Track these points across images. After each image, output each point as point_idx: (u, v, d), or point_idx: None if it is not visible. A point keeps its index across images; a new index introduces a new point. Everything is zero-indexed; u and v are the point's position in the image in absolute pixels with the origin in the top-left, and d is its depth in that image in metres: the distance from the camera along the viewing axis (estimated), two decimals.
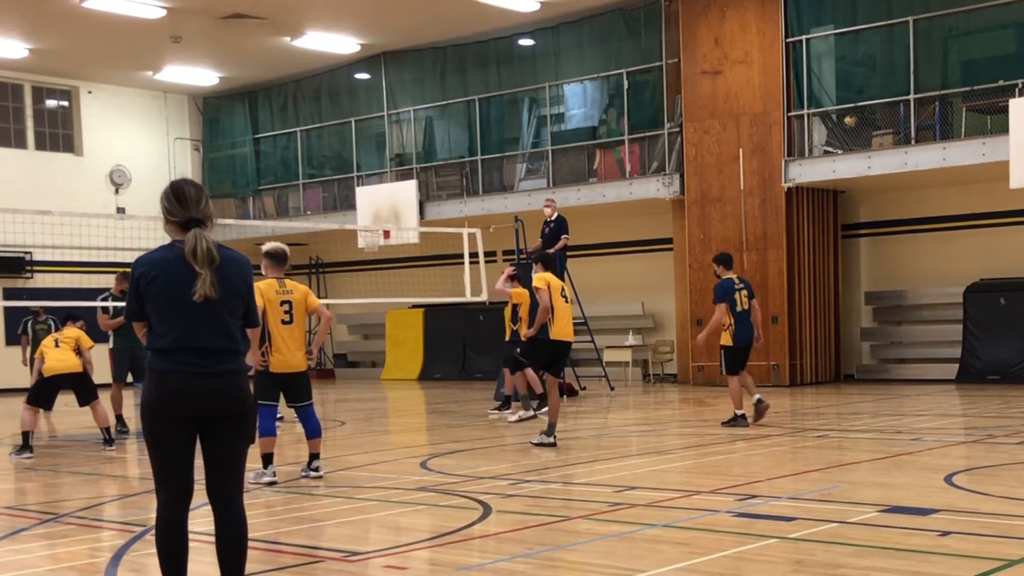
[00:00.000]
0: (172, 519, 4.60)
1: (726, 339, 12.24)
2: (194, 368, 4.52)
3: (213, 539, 4.72)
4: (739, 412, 12.30)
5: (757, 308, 12.56)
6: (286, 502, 8.07)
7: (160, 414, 4.55)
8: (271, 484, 8.83)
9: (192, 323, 4.53)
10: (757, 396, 12.43)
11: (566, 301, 11.17)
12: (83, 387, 12.26)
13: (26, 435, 11.89)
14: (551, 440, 10.96)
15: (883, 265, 20.28)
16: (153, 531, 7.03)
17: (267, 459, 8.91)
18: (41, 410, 12.47)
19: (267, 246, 9.09)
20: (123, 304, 14.71)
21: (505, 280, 13.47)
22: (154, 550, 6.58)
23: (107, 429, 12.32)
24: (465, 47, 23.54)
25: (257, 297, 8.58)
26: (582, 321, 18.79)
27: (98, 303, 15.02)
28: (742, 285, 12.29)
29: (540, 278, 11.07)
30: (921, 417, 13.25)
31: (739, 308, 12.14)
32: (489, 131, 23.19)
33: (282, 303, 8.71)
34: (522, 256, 18.12)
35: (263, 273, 8.94)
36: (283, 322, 8.72)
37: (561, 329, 11.00)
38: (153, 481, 4.68)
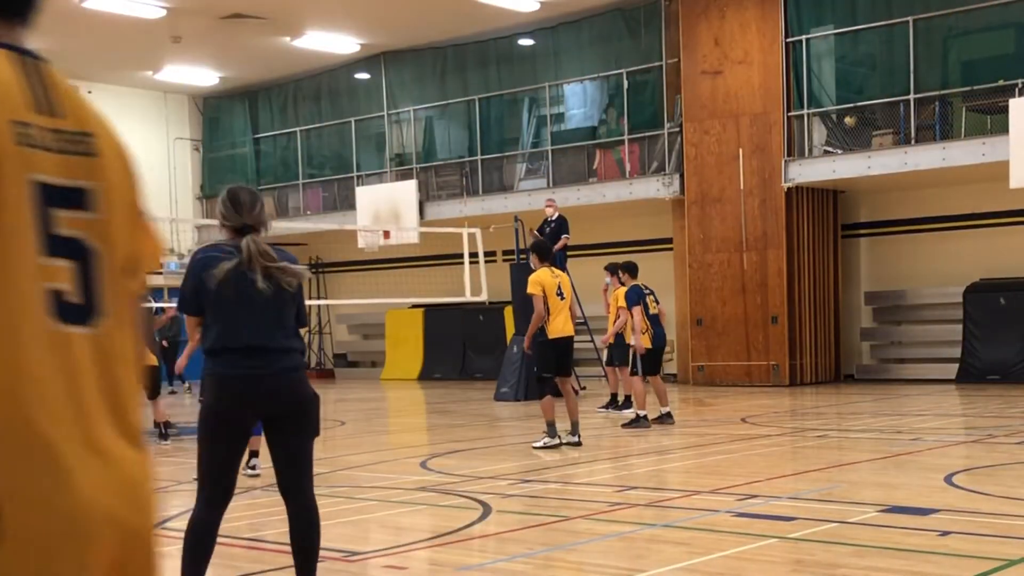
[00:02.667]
0: (209, 519, 4.69)
1: (644, 342, 12.71)
2: (249, 370, 4.60)
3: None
4: (642, 413, 12.61)
5: (664, 312, 13.67)
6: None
7: (219, 418, 4.64)
8: (254, 476, 9.11)
9: (244, 323, 4.61)
10: (667, 409, 12.90)
11: (561, 298, 10.90)
12: (155, 382, 12.70)
13: None
14: (576, 439, 10.97)
15: (883, 265, 20.28)
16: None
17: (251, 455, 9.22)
18: None
19: None
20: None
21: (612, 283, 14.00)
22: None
23: (166, 424, 12.63)
24: (465, 47, 23.53)
25: None
26: (582, 321, 18.73)
27: None
28: (649, 291, 13.11)
29: (534, 282, 10.81)
30: (921, 417, 13.26)
31: (651, 311, 12.88)
32: (489, 131, 23.19)
33: None
34: (522, 257, 18.11)
35: None
36: None
37: (559, 327, 10.83)
38: (198, 479, 4.74)
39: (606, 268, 14.61)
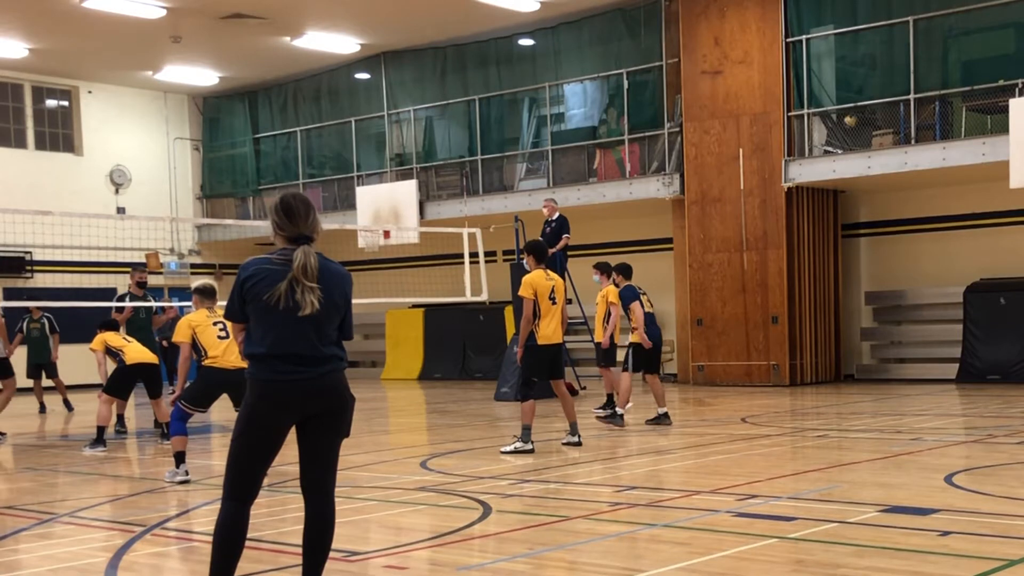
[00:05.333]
0: (235, 518, 4.73)
1: (637, 337, 12.77)
2: (291, 375, 4.66)
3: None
4: (620, 411, 12.64)
5: (657, 313, 13.78)
6: (286, 502, 8.07)
7: (262, 422, 4.71)
8: (184, 483, 9.17)
9: (288, 332, 4.67)
10: (664, 410, 12.88)
11: (553, 303, 10.73)
12: (156, 381, 12.71)
13: (101, 429, 12.15)
14: (576, 439, 10.96)
15: (883, 265, 20.28)
16: (144, 532, 7.04)
17: (179, 458, 9.36)
18: (117, 401, 12.86)
19: (196, 284, 9.91)
20: (137, 304, 14.75)
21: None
22: (154, 549, 6.60)
23: (168, 424, 12.58)
24: (465, 47, 23.53)
25: (187, 329, 9.34)
26: (582, 321, 18.79)
27: (114, 303, 15.07)
28: (643, 291, 13.21)
29: (527, 284, 10.66)
30: (921, 417, 13.26)
31: (646, 309, 12.96)
32: (489, 131, 23.18)
33: (215, 323, 9.43)
34: (521, 256, 18.09)
35: (193, 307, 9.80)
36: (219, 337, 9.36)
37: (548, 334, 10.69)
38: (226, 477, 4.76)
39: (595, 267, 14.37)
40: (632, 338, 12.82)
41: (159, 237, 26.22)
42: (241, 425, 4.74)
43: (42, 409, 18.36)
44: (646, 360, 12.89)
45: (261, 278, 4.68)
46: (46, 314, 18.35)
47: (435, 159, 24.12)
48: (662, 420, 12.79)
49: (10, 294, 23.75)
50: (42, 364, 18.46)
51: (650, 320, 12.93)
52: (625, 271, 13.18)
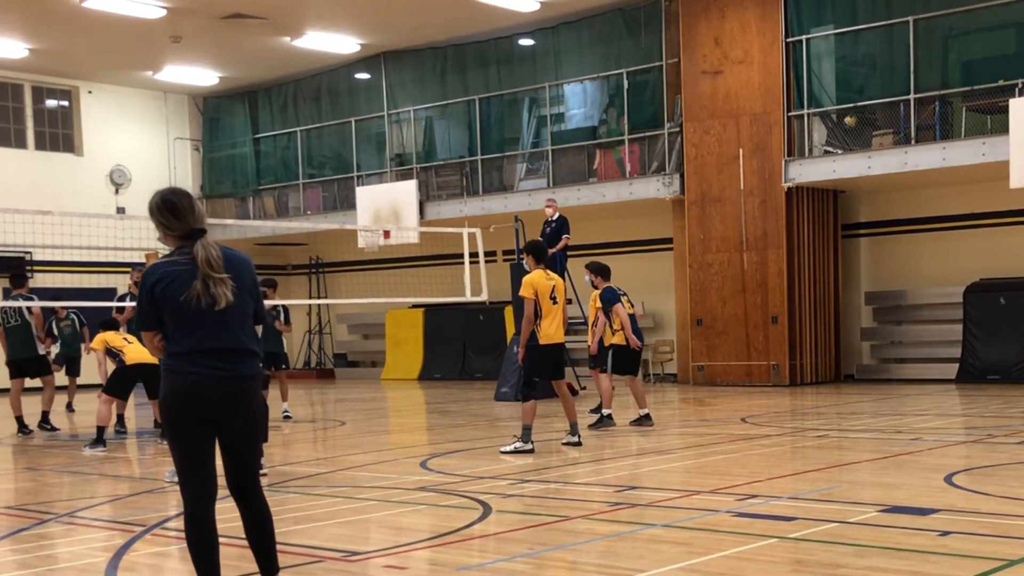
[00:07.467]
0: (197, 517, 4.71)
1: (619, 339, 12.69)
2: (213, 370, 4.62)
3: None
4: (607, 412, 12.59)
5: (639, 314, 13.67)
6: (285, 502, 8.07)
7: (180, 414, 4.65)
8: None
9: (208, 328, 4.63)
10: (646, 411, 12.82)
11: (554, 302, 10.74)
12: (156, 381, 12.59)
13: (101, 429, 12.16)
14: (576, 439, 10.95)
15: (883, 265, 20.28)
16: (144, 532, 7.04)
17: None
18: (117, 401, 12.85)
19: None
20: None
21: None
22: (154, 549, 6.61)
23: None
24: (465, 47, 23.53)
25: None
26: (582, 321, 18.78)
27: (115, 303, 15.08)
28: (623, 292, 13.03)
29: (527, 284, 10.66)
30: (921, 417, 13.26)
31: (627, 311, 12.82)
32: (489, 131, 23.19)
33: None
34: (522, 257, 18.08)
35: None
36: None
37: (551, 334, 10.70)
38: (179, 478, 4.78)
39: (587, 267, 14.14)
40: (613, 339, 12.67)
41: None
42: (168, 429, 4.70)
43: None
44: (627, 363, 12.81)
45: (172, 280, 4.61)
46: (72, 311, 18.35)
47: (435, 159, 24.12)
48: (643, 421, 12.77)
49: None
50: (72, 357, 18.40)
51: (631, 322, 12.79)
52: (604, 272, 12.93)
